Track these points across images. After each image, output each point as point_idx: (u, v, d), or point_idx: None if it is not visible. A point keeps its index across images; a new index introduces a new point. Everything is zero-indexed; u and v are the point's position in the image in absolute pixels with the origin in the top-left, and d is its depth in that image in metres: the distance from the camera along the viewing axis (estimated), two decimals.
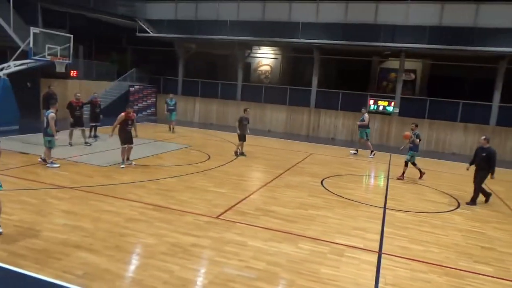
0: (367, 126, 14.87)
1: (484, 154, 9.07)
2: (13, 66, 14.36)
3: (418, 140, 11.17)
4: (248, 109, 13.26)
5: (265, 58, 25.36)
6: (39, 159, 9.82)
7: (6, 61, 14.74)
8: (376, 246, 6.24)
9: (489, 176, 9.09)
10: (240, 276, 4.92)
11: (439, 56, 19.19)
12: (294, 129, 20.64)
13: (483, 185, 9.33)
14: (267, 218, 7.12)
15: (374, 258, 5.80)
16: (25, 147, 11.52)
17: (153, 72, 24.21)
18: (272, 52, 25.04)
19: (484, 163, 9.03)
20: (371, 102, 19.42)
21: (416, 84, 22.69)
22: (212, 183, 9.27)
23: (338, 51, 20.69)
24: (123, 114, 10.11)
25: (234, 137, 15.96)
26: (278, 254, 5.63)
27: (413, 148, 11.32)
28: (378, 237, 6.65)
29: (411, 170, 11.46)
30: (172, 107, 17.67)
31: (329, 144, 17.84)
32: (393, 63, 21.48)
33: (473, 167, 9.37)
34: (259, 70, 25.61)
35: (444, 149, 18.19)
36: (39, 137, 13.69)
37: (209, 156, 12.42)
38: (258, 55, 25.23)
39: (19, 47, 14.80)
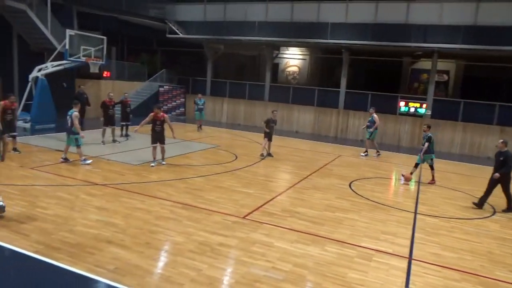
0: (376, 127, 14.62)
1: (501, 158, 8.64)
2: (50, 67, 14.95)
3: (427, 143, 10.82)
4: (275, 111, 13.22)
5: (293, 58, 25.29)
6: (61, 159, 9.99)
7: (44, 62, 15.36)
8: (406, 252, 6.09)
9: None
10: (266, 276, 4.92)
11: (474, 56, 18.53)
12: (322, 131, 20.45)
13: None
14: (294, 220, 7.10)
15: (404, 264, 5.66)
16: (61, 145, 11.94)
17: (182, 73, 24.63)
18: (300, 52, 24.94)
19: (501, 167, 8.59)
20: (402, 103, 18.99)
21: (449, 86, 22.02)
22: (239, 183, 9.32)
23: (368, 51, 20.34)
24: (151, 114, 10.41)
25: (261, 137, 16.00)
26: (305, 256, 5.60)
27: (429, 151, 10.99)
28: (408, 242, 6.50)
29: (427, 172, 11.13)
30: (201, 107, 18.26)
31: (357, 146, 17.55)
32: (425, 64, 20.92)
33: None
34: (287, 71, 25.56)
35: (479, 153, 17.53)
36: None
37: (236, 156, 12.50)
38: (286, 55, 25.19)
39: (56, 48, 15.41)
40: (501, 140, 8.93)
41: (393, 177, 12.27)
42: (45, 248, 5.21)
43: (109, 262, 4.96)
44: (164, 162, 10.63)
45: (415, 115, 18.80)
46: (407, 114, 18.86)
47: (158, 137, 10.45)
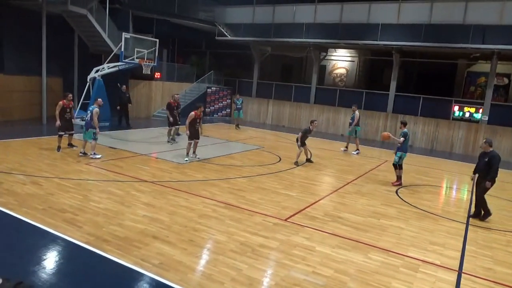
0: (357, 124, 14.79)
1: (486, 159, 7.93)
2: (106, 68, 15.80)
3: (402, 139, 10.15)
4: (315, 121, 12.59)
5: (341, 60, 24.86)
6: (80, 154, 10.46)
7: (101, 63, 16.27)
8: (455, 264, 5.78)
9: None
10: (306, 281, 4.88)
11: None
12: (368, 134, 19.92)
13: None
14: (336, 225, 6.98)
15: (452, 277, 5.38)
16: (113, 142, 12.60)
17: (229, 74, 25.04)
18: (349, 54, 24.46)
19: (486, 169, 7.87)
20: (456, 108, 18.04)
21: (510, 90, 20.59)
22: (282, 185, 9.32)
23: (420, 53, 19.56)
24: (193, 113, 10.85)
25: (340, 145, 15.77)
26: (347, 262, 5.49)
27: (401, 149, 10.33)
28: (458, 254, 6.16)
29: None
30: (240, 106, 19.04)
31: None
32: (483, 67, 19.74)
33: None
34: (334, 73, 25.17)
35: None
36: (126, 133, 14.96)
37: (280, 158, 12.50)
38: (333, 57, 24.83)
39: (112, 51, 16.26)
40: (484, 140, 8.20)
41: (444, 185, 11.69)
42: (95, 240, 5.51)
43: (154, 257, 5.15)
44: (198, 157, 11.12)
45: (470, 120, 17.79)
46: (462, 119, 17.89)
47: (196, 134, 11.00)
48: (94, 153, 10.41)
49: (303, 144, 11.93)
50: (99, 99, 10.99)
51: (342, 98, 21.05)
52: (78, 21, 16.29)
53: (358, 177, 10.94)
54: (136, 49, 15.88)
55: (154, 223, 6.31)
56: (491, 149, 8.03)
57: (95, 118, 10.26)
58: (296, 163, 11.80)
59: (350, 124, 15.06)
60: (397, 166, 10.44)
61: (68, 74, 17.84)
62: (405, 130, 10.37)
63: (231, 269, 5.00)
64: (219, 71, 24.96)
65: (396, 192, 9.70)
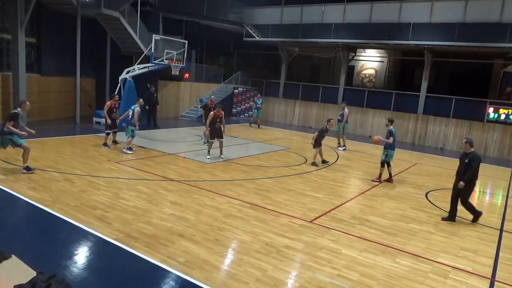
0: (346, 121, 14.90)
1: (466, 160, 7.49)
2: (137, 69, 16.20)
3: (391, 138, 10.02)
4: (332, 120, 12.40)
5: (370, 61, 24.43)
6: (112, 143, 11.83)
7: (132, 65, 16.69)
8: (488, 272, 5.56)
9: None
10: (332, 284, 4.83)
11: None
12: (398, 137, 19.31)
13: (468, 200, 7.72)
14: (363, 228, 6.87)
15: (484, 284, 5.18)
16: (143, 142, 12.89)
17: (256, 75, 25.11)
18: (378, 54, 24.02)
19: (466, 171, 7.42)
20: (491, 110, 17.35)
21: None
22: (308, 187, 9.25)
23: (453, 53, 18.94)
24: (212, 113, 11.14)
25: (333, 141, 15.73)
26: (374, 266, 5.39)
27: (388, 146, 10.14)
28: (491, 261, 5.93)
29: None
30: (260, 106, 19.61)
31: (437, 154, 16.44)
32: None
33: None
34: (363, 74, 24.77)
35: None
36: (155, 133, 15.28)
37: (306, 159, 12.42)
38: (362, 58, 24.44)
39: (143, 52, 16.65)
40: (465, 140, 7.72)
41: (477, 189, 11.27)
42: (124, 236, 5.66)
43: (180, 255, 5.23)
44: (223, 156, 11.19)
45: (506, 122, 17.05)
46: (497, 121, 17.18)
47: (217, 133, 11.17)
48: (129, 148, 11.06)
49: (318, 144, 11.75)
50: (141, 100, 11.82)
51: (371, 99, 20.68)
52: (111, 23, 16.78)
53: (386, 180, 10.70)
54: (165, 51, 16.20)
55: (181, 221, 6.41)
56: (472, 149, 7.60)
57: (136, 117, 11.04)
58: (314, 163, 11.68)
59: (339, 120, 15.17)
60: (383, 164, 10.35)
61: (101, 75, 18.41)
62: (392, 128, 10.25)
63: (255, 269, 5.01)
64: (246, 72, 25.07)
65: (426, 195, 9.44)
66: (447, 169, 13.37)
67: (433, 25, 17.64)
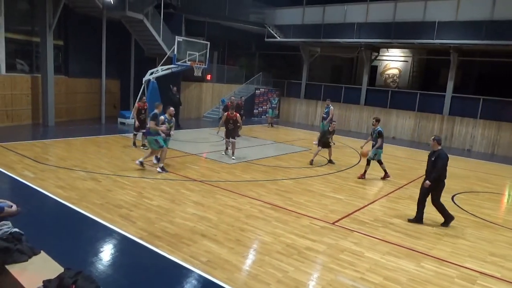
0: (326, 118, 14.24)
1: (433, 159, 7.13)
2: (160, 70, 16.45)
3: (380, 140, 9.89)
4: (334, 122, 12.57)
5: (394, 61, 24.01)
6: (141, 146, 11.73)
7: (155, 66, 16.97)
8: None
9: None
10: (354, 287, 4.77)
11: None
12: (422, 138, 19.05)
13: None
14: (386, 230, 6.75)
15: None
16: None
17: (277, 76, 25.07)
18: (402, 54, 23.58)
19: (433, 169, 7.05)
20: None
21: None
22: (329, 188, 9.17)
23: (480, 52, 18.40)
24: (225, 114, 11.59)
25: (354, 142, 15.53)
26: (398, 270, 5.29)
27: (379, 146, 10.10)
28: None
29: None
30: (275, 105, 20.33)
31: (464, 156, 16.00)
32: None
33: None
34: (386, 74, 24.37)
35: None
36: (178, 133, 15.42)
37: (328, 161, 12.30)
38: (385, 57, 24.05)
39: (166, 54, 16.90)
40: (432, 137, 7.35)
41: (506, 193, 10.90)
42: (148, 235, 5.75)
43: (203, 254, 5.28)
44: (234, 158, 11.27)
45: None
46: None
47: (229, 133, 11.45)
48: (162, 168, 9.47)
49: (323, 145, 11.78)
50: (161, 105, 11.26)
51: (394, 100, 20.31)
52: (135, 25, 17.10)
53: (410, 182, 10.51)
54: (188, 52, 16.38)
55: (203, 221, 6.47)
56: (439, 147, 7.27)
57: (152, 125, 10.71)
58: (311, 162, 11.62)
59: (324, 118, 14.81)
60: (369, 162, 10.23)
61: (125, 76, 18.78)
62: (380, 128, 10.14)
63: (277, 270, 5.00)
64: (268, 72, 25.07)
65: (452, 198, 9.20)
66: (474, 171, 13.01)
67: (460, 23, 17.17)
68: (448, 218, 7.26)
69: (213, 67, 22.10)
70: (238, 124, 11.45)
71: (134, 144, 12.01)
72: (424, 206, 7.35)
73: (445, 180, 7.32)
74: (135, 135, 12.10)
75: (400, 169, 12.27)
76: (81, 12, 16.25)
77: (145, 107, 12.04)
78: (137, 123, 11.83)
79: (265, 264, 5.15)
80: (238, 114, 11.57)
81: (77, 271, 3.25)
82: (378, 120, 10.40)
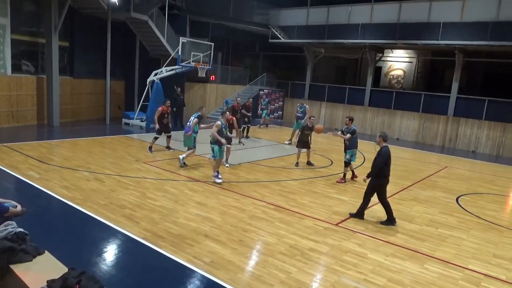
0: (302, 118, 13.69)
1: (376, 155, 7.07)
2: (165, 71, 16.51)
3: (349, 135, 9.74)
4: (313, 117, 11.92)
5: (398, 61, 23.93)
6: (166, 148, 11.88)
7: (159, 67, 17.03)
8: None
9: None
10: None
11: None
12: (426, 139, 18.97)
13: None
14: (390, 232, 6.73)
15: None
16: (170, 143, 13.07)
17: (281, 77, 25.06)
18: (407, 55, 23.51)
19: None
20: None
21: None
22: (333, 189, 9.15)
23: (486, 53, 18.29)
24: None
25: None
26: (402, 272, 5.27)
27: (349, 146, 9.90)
28: None
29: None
30: (264, 106, 20.43)
31: (469, 158, 15.91)
32: None
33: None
34: (391, 75, 24.30)
35: None
36: (181, 134, 15.47)
37: (332, 162, 12.29)
38: (390, 58, 23.97)
39: (170, 55, 16.95)
40: (379, 134, 7.26)
41: (511, 195, 10.84)
42: (151, 235, 5.77)
43: (206, 255, 5.29)
44: (227, 165, 10.60)
45: None
46: None
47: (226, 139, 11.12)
48: (216, 176, 9.03)
49: (303, 145, 11.29)
50: (166, 101, 11.83)
51: (399, 101, 20.23)
52: (140, 27, 17.18)
53: (415, 183, 10.47)
54: (192, 53, 16.42)
55: (206, 222, 6.48)
56: (384, 144, 7.15)
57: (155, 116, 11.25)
58: (297, 164, 11.30)
59: (300, 117, 14.29)
60: (347, 164, 10.05)
61: (130, 77, 18.86)
62: (353, 127, 10.03)
63: (280, 271, 5.00)
64: (272, 73, 25.06)
65: (457, 200, 9.15)
66: (479, 173, 12.94)
67: (465, 24, 17.09)
68: (390, 221, 7.12)
69: (217, 68, 22.13)
70: (234, 129, 10.99)
71: (150, 148, 11.51)
72: (367, 203, 7.24)
73: (390, 178, 7.20)
74: (156, 138, 11.65)
75: (404, 170, 12.22)
76: (86, 14, 16.34)
77: (169, 111, 11.80)
78: (157, 126, 11.41)
79: (268, 265, 5.14)
80: (234, 118, 11.14)
81: (81, 271, 3.27)
82: (351, 119, 10.21)
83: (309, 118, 11.74)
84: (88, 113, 17.34)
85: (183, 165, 10.04)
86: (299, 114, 14.86)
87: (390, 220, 7.13)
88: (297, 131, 13.24)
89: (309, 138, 11.56)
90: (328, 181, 9.91)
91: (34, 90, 14.88)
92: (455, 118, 18.25)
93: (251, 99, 15.01)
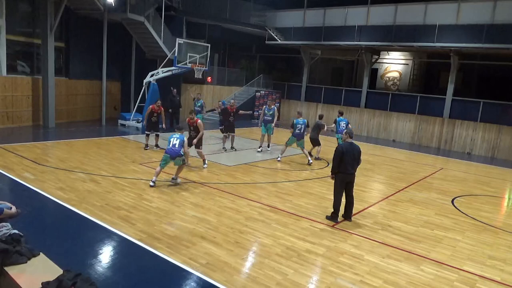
0: (271, 121, 13.15)
1: None
2: (161, 72, 16.48)
3: (333, 125, 12.46)
4: (300, 112, 12.84)
5: (394, 63, 24.04)
6: (154, 146, 12.09)
7: (156, 68, 16.99)
8: None
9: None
10: None
11: None
12: (422, 141, 19.07)
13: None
14: (386, 233, 6.75)
15: None
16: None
17: (278, 78, 25.09)
18: (402, 57, 23.61)
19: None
20: None
21: None
22: (329, 191, 9.11)
23: (481, 55, 18.41)
24: (187, 119, 10.97)
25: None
26: (397, 273, 5.28)
27: (296, 135, 11.70)
28: None
29: None
30: (270, 118, 19.90)
31: (464, 159, 16.00)
32: None
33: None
34: (387, 77, 24.40)
35: None
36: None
37: (328, 163, 12.31)
38: (386, 60, 24.07)
39: (167, 56, 16.93)
40: (345, 131, 7.41)
41: (506, 196, 10.90)
42: (147, 237, 5.75)
43: (202, 256, 5.28)
44: (235, 148, 11.57)
45: None
46: None
47: (231, 128, 11.55)
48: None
49: (315, 142, 12.70)
50: (157, 100, 12.19)
51: (395, 103, 20.33)
52: (136, 28, 17.14)
53: (410, 185, 10.50)
54: (188, 54, 16.39)
55: (202, 223, 6.47)
56: (349, 140, 7.17)
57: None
58: (309, 162, 12.02)
59: (269, 121, 13.08)
60: (287, 145, 11.86)
61: (126, 78, 18.82)
62: (298, 119, 11.91)
63: (276, 273, 5.00)
64: (268, 74, 25.09)
65: (452, 202, 9.20)
66: (474, 174, 13.01)
67: (460, 27, 17.22)
68: (333, 216, 7.16)
69: (213, 69, 22.13)
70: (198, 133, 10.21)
71: (146, 146, 12.06)
72: (337, 201, 7.19)
73: (348, 174, 7.11)
74: (147, 135, 12.11)
75: (400, 172, 12.27)
76: (82, 14, 16.30)
77: (159, 110, 11.98)
78: (144, 122, 11.89)
79: (264, 267, 5.14)
80: (199, 120, 10.30)
81: (76, 273, 3.26)
82: (341, 113, 13.12)
83: (297, 112, 12.92)
84: (84, 114, 17.28)
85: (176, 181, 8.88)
86: (268, 118, 13.14)
87: (331, 217, 7.17)
88: (267, 136, 13.42)
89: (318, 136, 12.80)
90: (325, 183, 9.92)
91: (30, 91, 14.80)
92: (451, 120, 18.36)
93: (233, 101, 14.16)
